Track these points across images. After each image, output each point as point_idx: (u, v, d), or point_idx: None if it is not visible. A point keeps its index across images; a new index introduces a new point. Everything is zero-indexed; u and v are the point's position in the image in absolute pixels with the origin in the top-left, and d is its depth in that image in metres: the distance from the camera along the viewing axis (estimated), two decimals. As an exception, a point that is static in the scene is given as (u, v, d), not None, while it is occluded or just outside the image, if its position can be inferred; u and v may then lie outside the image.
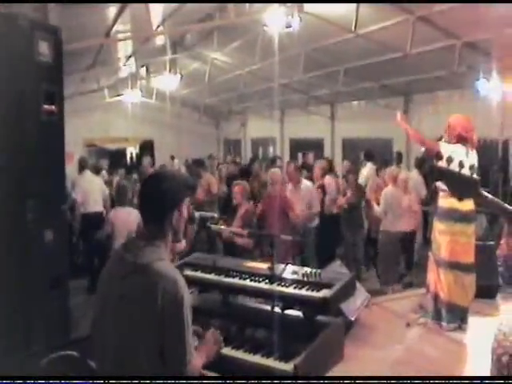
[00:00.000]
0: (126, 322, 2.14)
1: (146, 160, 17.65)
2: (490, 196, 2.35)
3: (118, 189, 7.39)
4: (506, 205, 2.33)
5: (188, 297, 2.19)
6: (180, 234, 2.39)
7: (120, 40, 10.85)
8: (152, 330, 2.10)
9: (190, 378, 2.21)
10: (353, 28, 8.47)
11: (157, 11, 8.94)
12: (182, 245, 6.10)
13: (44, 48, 4.21)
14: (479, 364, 3.49)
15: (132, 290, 2.15)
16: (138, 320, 2.12)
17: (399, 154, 11.99)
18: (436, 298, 5.14)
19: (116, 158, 18.26)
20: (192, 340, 2.21)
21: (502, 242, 6.19)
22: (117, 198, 7.30)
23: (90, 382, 2.11)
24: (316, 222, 8.38)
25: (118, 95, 17.30)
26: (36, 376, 2.19)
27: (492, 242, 6.25)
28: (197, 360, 2.26)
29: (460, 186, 2.23)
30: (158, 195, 2.28)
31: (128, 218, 6.66)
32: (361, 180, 9.95)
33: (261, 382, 3.07)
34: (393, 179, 7.81)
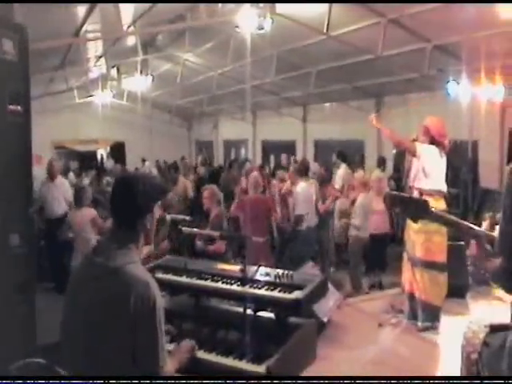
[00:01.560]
0: (97, 326, 2.09)
1: (109, 163, 17.45)
2: (441, 213, 2.38)
3: (77, 190, 7.16)
4: (466, 222, 2.35)
5: (160, 300, 2.15)
6: (151, 236, 2.36)
7: (89, 40, 10.70)
8: (124, 334, 2.05)
9: (189, 378, 2.20)
10: (325, 30, 8.50)
11: (127, 11, 8.85)
12: (164, 244, 6.08)
13: (8, 46, 4.08)
14: (450, 362, 3.51)
15: (103, 294, 2.10)
16: (110, 324, 2.07)
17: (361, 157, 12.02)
18: (411, 297, 5.18)
19: (86, 160, 17.98)
20: (165, 345, 2.17)
21: (472, 242, 6.28)
22: (75, 200, 7.09)
23: (90, 382, 2.06)
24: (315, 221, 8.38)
25: (88, 96, 17.05)
26: (36, 376, 2.15)
27: (462, 242, 6.34)
28: (169, 366, 2.23)
29: (411, 209, 2.25)
30: (130, 199, 2.25)
31: (84, 219, 6.71)
32: (337, 181, 10.03)
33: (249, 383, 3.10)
34: (363, 186, 7.80)
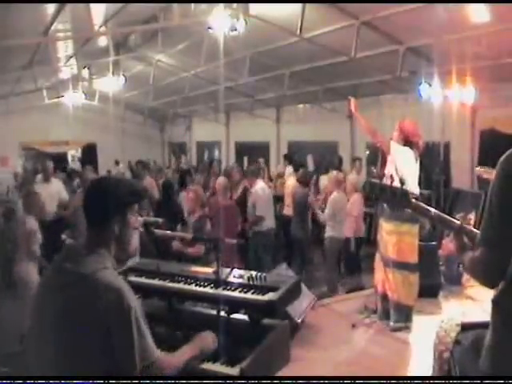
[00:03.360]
0: (67, 335, 2.02)
1: (76, 165, 17.24)
2: (421, 204, 2.38)
3: (27, 195, 6.49)
4: (446, 215, 2.35)
5: (135, 303, 2.08)
6: (127, 246, 2.26)
7: (59, 40, 10.52)
8: (96, 343, 1.99)
9: (190, 378, 2.20)
10: (298, 32, 8.51)
11: (99, 11, 8.73)
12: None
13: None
14: (423, 361, 3.53)
15: (74, 301, 2.03)
16: (80, 332, 2.00)
17: (340, 159, 12.29)
18: (384, 298, 5.21)
19: (56, 162, 17.62)
20: (150, 343, 2.09)
21: (444, 242, 6.37)
22: (25, 206, 6.43)
23: (90, 382, 2.00)
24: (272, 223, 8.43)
25: (59, 97, 16.77)
26: (36, 376, 2.08)
27: (434, 243, 6.41)
28: (182, 354, 2.33)
29: (390, 198, 2.25)
30: (99, 200, 2.19)
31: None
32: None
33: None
34: (337, 184, 7.84)
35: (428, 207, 2.44)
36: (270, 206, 8.43)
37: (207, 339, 2.59)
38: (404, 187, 2.38)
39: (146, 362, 2.05)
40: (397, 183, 2.44)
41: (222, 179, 7.84)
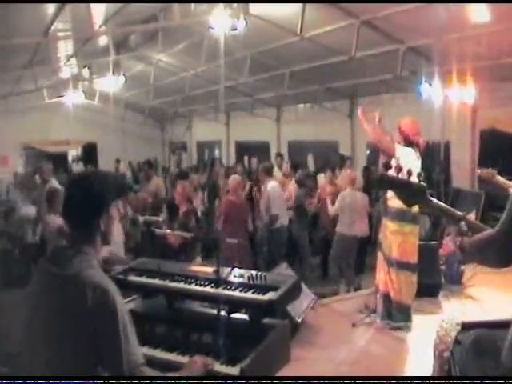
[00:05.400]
0: (57, 336, 2.01)
1: (79, 166, 17.18)
2: (437, 201, 2.39)
3: (51, 193, 6.44)
4: (455, 210, 2.37)
5: (122, 304, 2.05)
6: (109, 237, 2.23)
7: (59, 39, 10.51)
8: (85, 343, 1.98)
9: (191, 378, 2.19)
10: (298, 31, 8.51)
11: (99, 11, 8.73)
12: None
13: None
14: (423, 360, 3.54)
15: (61, 303, 2.02)
16: (70, 333, 2.00)
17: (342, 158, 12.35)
18: (386, 297, 5.20)
19: (57, 162, 17.60)
20: (136, 347, 2.06)
21: (444, 242, 6.38)
22: (49, 204, 6.37)
23: (91, 382, 1.99)
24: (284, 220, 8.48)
25: (59, 96, 16.75)
26: (36, 376, 2.06)
27: (434, 242, 6.41)
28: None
29: (408, 193, 2.24)
30: (84, 197, 2.13)
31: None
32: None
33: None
34: (351, 182, 7.90)
35: (443, 204, 2.46)
36: (283, 203, 8.46)
37: (197, 364, 2.40)
38: (421, 183, 2.39)
39: (131, 365, 2.01)
40: (404, 175, 2.44)
41: (235, 177, 7.88)
